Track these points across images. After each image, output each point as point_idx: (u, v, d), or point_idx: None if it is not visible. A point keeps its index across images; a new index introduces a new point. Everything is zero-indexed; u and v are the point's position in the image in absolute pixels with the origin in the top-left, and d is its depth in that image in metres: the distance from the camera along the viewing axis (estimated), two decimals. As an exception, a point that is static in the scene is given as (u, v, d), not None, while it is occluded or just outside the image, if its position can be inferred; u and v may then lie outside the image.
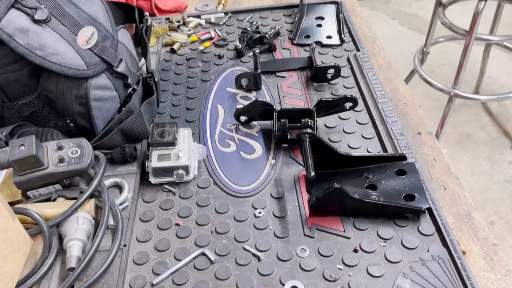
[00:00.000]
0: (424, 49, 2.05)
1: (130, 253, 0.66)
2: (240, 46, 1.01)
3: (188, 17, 1.15)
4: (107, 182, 0.75)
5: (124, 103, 0.82)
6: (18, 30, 0.68)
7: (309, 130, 0.72)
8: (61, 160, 0.67)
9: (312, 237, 0.66)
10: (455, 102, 1.90)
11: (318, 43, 1.03)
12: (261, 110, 0.82)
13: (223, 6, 1.20)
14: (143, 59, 0.96)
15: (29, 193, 0.69)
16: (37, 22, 0.70)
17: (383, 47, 1.03)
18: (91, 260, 0.63)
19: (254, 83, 0.92)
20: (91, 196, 0.68)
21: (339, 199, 0.66)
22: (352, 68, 0.96)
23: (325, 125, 0.83)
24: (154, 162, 0.73)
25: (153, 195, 0.74)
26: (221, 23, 1.13)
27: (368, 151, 0.78)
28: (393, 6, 3.00)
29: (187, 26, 1.12)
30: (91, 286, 0.61)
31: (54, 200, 0.69)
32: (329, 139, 0.80)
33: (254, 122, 0.86)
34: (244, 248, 0.65)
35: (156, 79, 0.85)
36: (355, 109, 0.83)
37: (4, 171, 0.73)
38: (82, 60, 0.73)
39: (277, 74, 0.97)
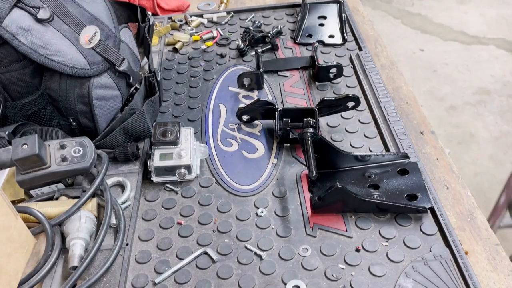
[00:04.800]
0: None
1: (132, 252, 0.66)
2: (242, 45, 1.01)
3: (191, 16, 1.15)
4: (110, 181, 0.75)
5: (126, 102, 0.82)
6: (21, 29, 0.68)
7: (311, 130, 0.72)
8: (64, 159, 0.67)
9: (314, 237, 0.66)
10: (458, 102, 1.89)
11: (321, 42, 1.03)
12: (263, 110, 0.82)
13: (225, 5, 1.20)
14: (145, 58, 0.97)
15: (31, 191, 0.70)
16: (40, 21, 0.70)
17: (385, 46, 1.03)
18: (93, 259, 0.63)
19: (256, 82, 0.92)
20: (93, 195, 0.68)
21: (341, 199, 0.66)
22: (354, 67, 0.96)
23: (327, 124, 0.83)
24: (156, 161, 0.73)
25: (155, 194, 0.74)
26: (223, 22, 1.13)
27: (371, 151, 0.78)
28: (396, 5, 2.99)
29: (189, 26, 1.12)
30: (93, 285, 0.61)
31: (56, 199, 0.69)
32: (331, 139, 0.80)
33: (256, 122, 0.86)
34: (246, 247, 0.65)
35: (158, 78, 0.86)
36: (357, 108, 0.83)
37: (7, 170, 0.73)
38: (85, 59, 0.73)
39: (279, 73, 0.97)
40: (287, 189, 0.73)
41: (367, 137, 0.80)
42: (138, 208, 0.72)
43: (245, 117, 0.84)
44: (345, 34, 1.04)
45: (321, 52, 1.01)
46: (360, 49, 1.00)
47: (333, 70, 0.91)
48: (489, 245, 0.63)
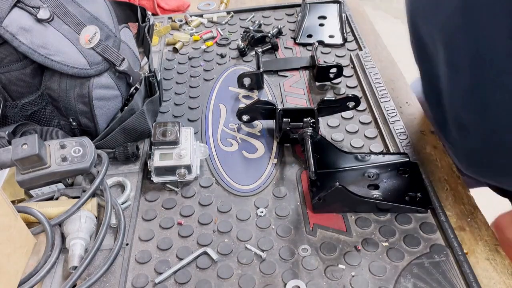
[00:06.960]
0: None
1: (132, 252, 0.66)
2: (242, 46, 1.01)
3: (191, 16, 1.15)
4: (110, 181, 0.75)
5: (126, 102, 0.83)
6: (21, 29, 0.68)
7: (311, 130, 0.72)
8: (64, 159, 0.67)
9: (314, 236, 0.66)
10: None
11: (321, 42, 1.03)
12: (263, 110, 0.82)
13: (225, 5, 1.20)
14: (145, 58, 0.97)
15: (31, 191, 0.70)
16: (40, 21, 0.70)
17: (385, 46, 1.03)
18: (93, 258, 0.63)
19: (256, 83, 0.92)
20: (93, 195, 0.68)
21: (341, 199, 0.66)
22: (354, 68, 0.96)
23: (327, 125, 0.83)
24: (156, 161, 0.73)
25: (155, 194, 0.74)
26: (223, 22, 1.13)
27: (371, 151, 0.78)
28: (396, 5, 2.99)
29: (189, 25, 1.12)
30: (93, 285, 0.61)
31: (56, 198, 0.69)
32: (331, 139, 0.80)
33: (256, 122, 0.86)
34: (246, 247, 0.65)
35: (159, 78, 0.86)
36: (357, 108, 0.83)
37: (7, 169, 0.73)
38: (85, 59, 0.73)
39: (280, 73, 0.97)
40: (287, 189, 0.73)
41: (367, 137, 0.80)
42: (138, 208, 0.72)
43: (245, 117, 0.84)
44: (345, 34, 1.04)
45: (321, 52, 1.01)
46: (360, 49, 1.00)
47: (333, 70, 0.91)
48: (489, 245, 0.63)
